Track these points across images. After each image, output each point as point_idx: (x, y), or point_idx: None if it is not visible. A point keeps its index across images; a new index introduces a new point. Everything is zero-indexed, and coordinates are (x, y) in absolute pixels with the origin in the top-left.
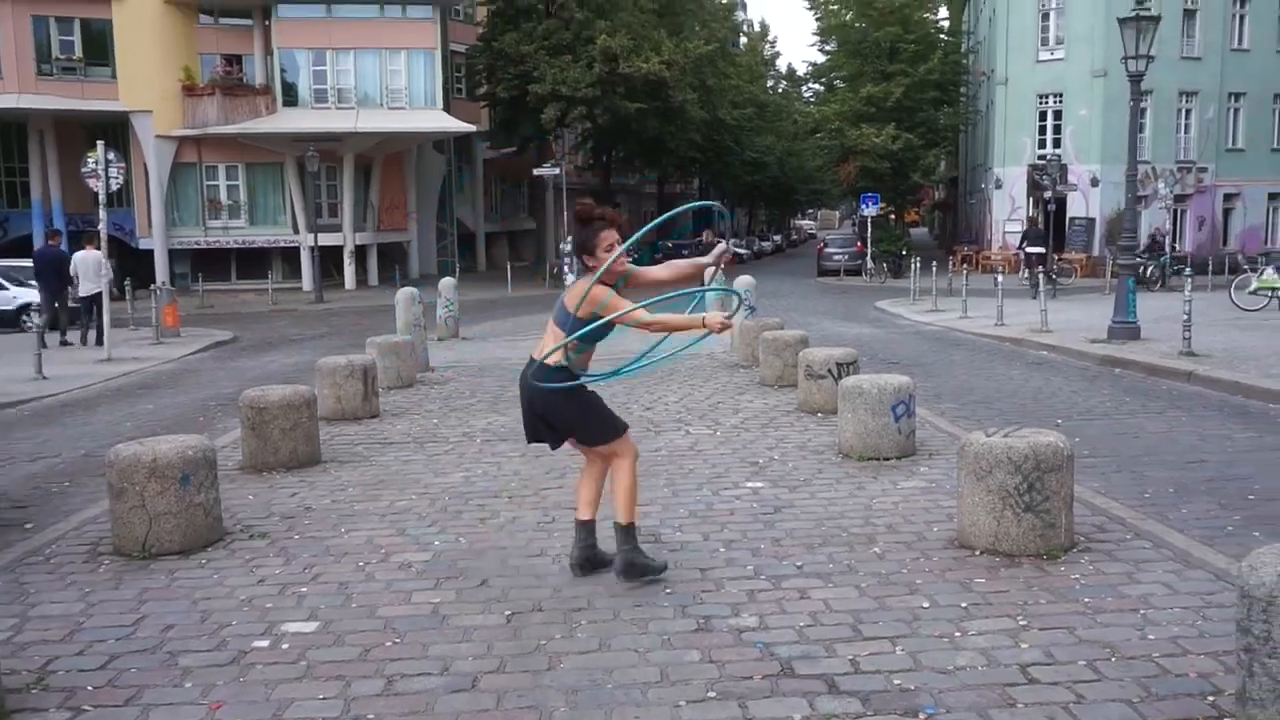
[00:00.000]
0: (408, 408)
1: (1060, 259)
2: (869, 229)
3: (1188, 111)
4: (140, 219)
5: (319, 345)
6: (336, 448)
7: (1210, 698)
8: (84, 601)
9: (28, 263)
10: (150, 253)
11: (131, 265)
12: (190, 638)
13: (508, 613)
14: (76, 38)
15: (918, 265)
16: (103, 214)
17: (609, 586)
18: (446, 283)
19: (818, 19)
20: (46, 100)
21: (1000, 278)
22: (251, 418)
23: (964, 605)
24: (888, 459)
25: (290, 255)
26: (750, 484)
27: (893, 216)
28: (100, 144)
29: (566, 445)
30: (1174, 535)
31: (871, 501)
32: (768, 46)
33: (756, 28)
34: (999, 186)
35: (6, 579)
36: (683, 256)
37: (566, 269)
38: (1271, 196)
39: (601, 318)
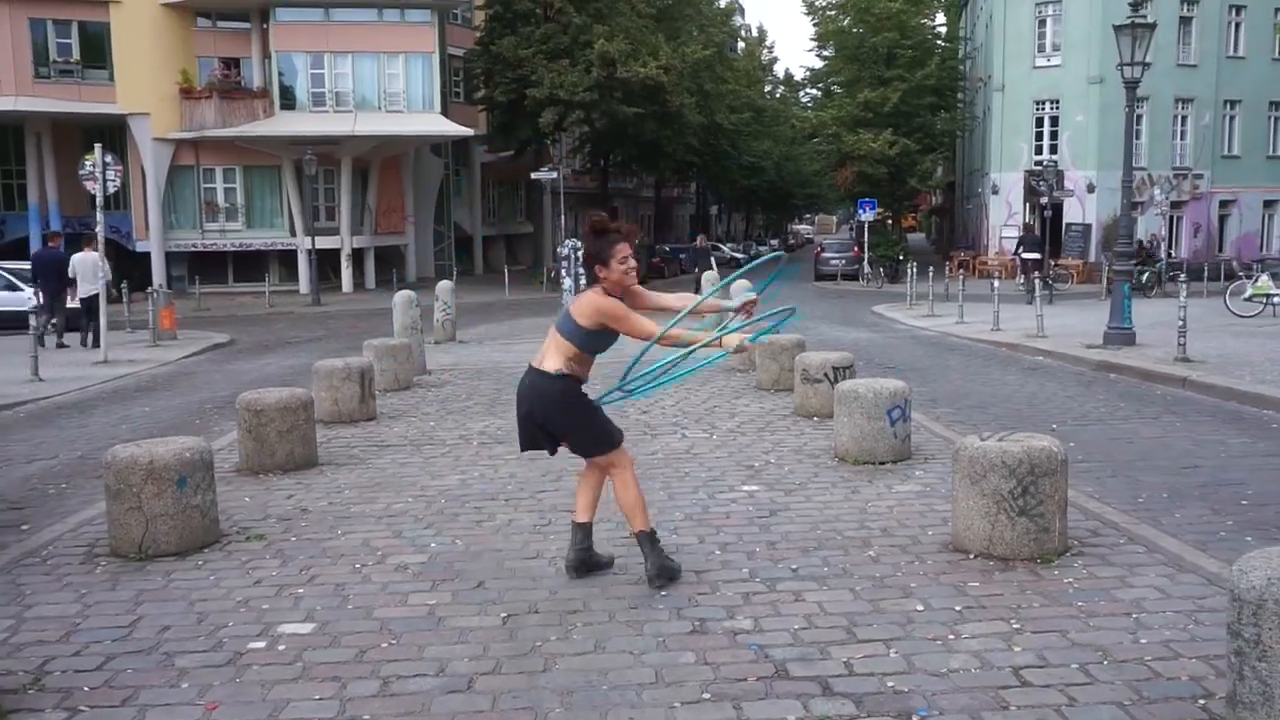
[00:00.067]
0: (405, 410)
1: (1056, 264)
2: (866, 234)
3: (1184, 118)
4: (137, 221)
5: (316, 348)
6: (333, 450)
7: (1201, 701)
8: (80, 603)
9: (26, 265)
10: (147, 255)
11: (128, 268)
12: (186, 639)
13: (503, 614)
14: (74, 40)
15: (914, 270)
16: (100, 216)
17: (604, 588)
18: (444, 286)
19: (815, 24)
20: (44, 103)
21: (997, 283)
22: (248, 420)
23: (958, 608)
24: (883, 463)
25: (287, 258)
26: (746, 487)
27: (890, 221)
28: (98, 146)
29: (563, 449)
30: (1167, 540)
31: (866, 505)
32: (765, 51)
33: (754, 33)
34: (996, 192)
35: (3, 580)
36: (679, 260)
37: (563, 273)
38: (1267, 203)
39: (608, 329)
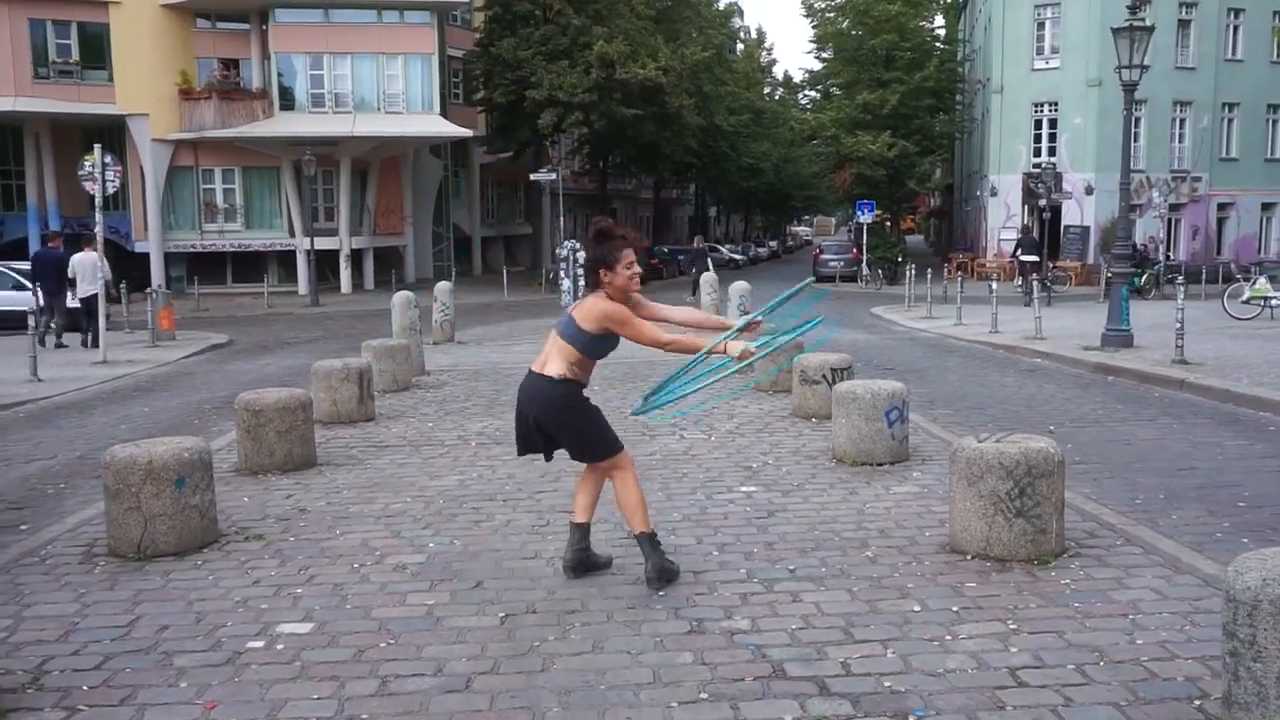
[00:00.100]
0: (403, 411)
1: (1055, 267)
2: (865, 235)
3: (1182, 121)
4: (136, 222)
5: (314, 349)
6: (332, 450)
7: (1197, 701)
8: (79, 602)
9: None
10: (146, 256)
11: (127, 268)
12: (185, 638)
13: (501, 614)
14: (74, 41)
15: (913, 272)
16: (99, 217)
17: (602, 589)
18: (442, 287)
19: (814, 26)
20: (43, 103)
21: (995, 285)
22: (247, 420)
23: (955, 609)
24: (881, 464)
25: (286, 259)
26: (744, 488)
27: (888, 223)
28: (98, 147)
29: (560, 452)
30: (1164, 541)
31: (864, 506)
32: (764, 53)
33: (753, 35)
34: (994, 194)
35: (2, 580)
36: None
37: (562, 274)
38: (1265, 206)
39: (611, 334)
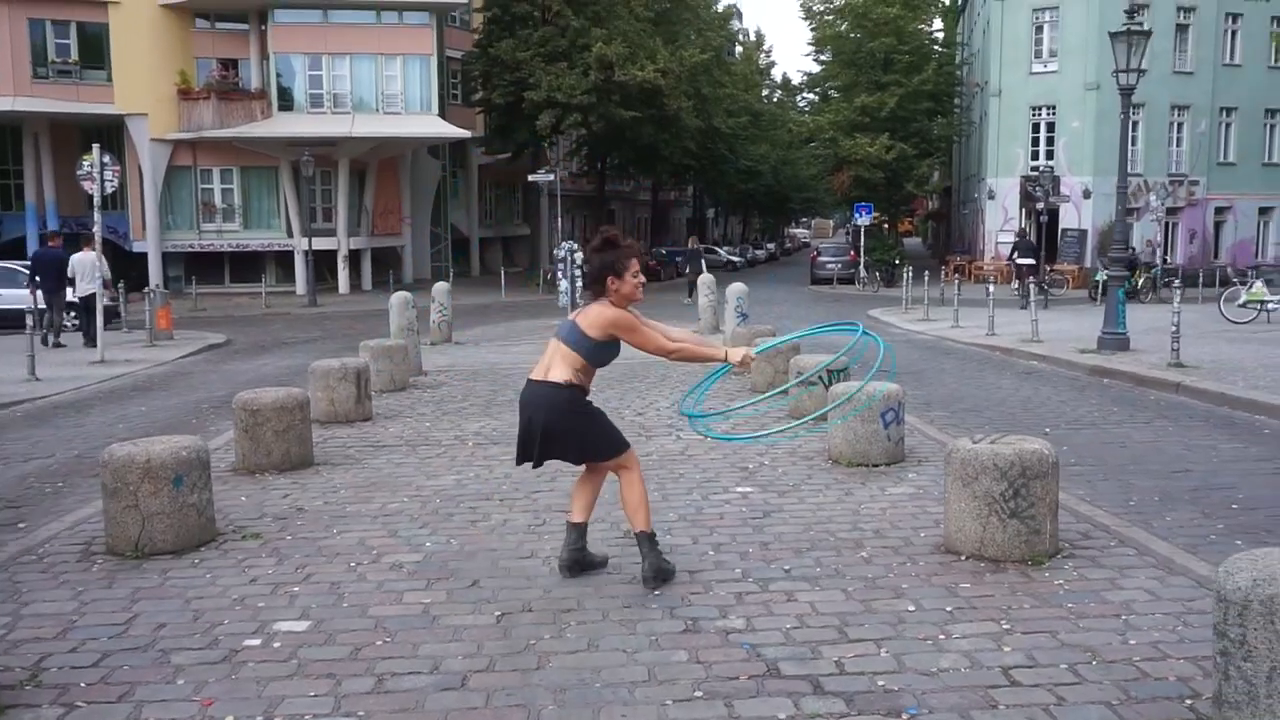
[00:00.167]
0: (400, 411)
1: (1052, 270)
2: (862, 238)
3: (1180, 125)
4: (134, 222)
5: (312, 349)
6: (329, 450)
7: (1188, 700)
8: (77, 600)
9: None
10: (144, 255)
11: (125, 268)
12: (182, 636)
13: (498, 613)
14: (73, 41)
15: (910, 274)
16: (97, 216)
17: (598, 588)
18: (440, 287)
19: (813, 29)
20: (42, 103)
21: (992, 288)
22: (245, 420)
23: (949, 609)
24: (876, 465)
25: (284, 259)
26: (740, 489)
27: (886, 226)
28: (96, 147)
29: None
30: (1157, 543)
31: (860, 507)
32: (763, 56)
33: (752, 37)
34: (992, 197)
35: (0, 578)
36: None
37: (560, 275)
38: (1262, 210)
39: (616, 340)
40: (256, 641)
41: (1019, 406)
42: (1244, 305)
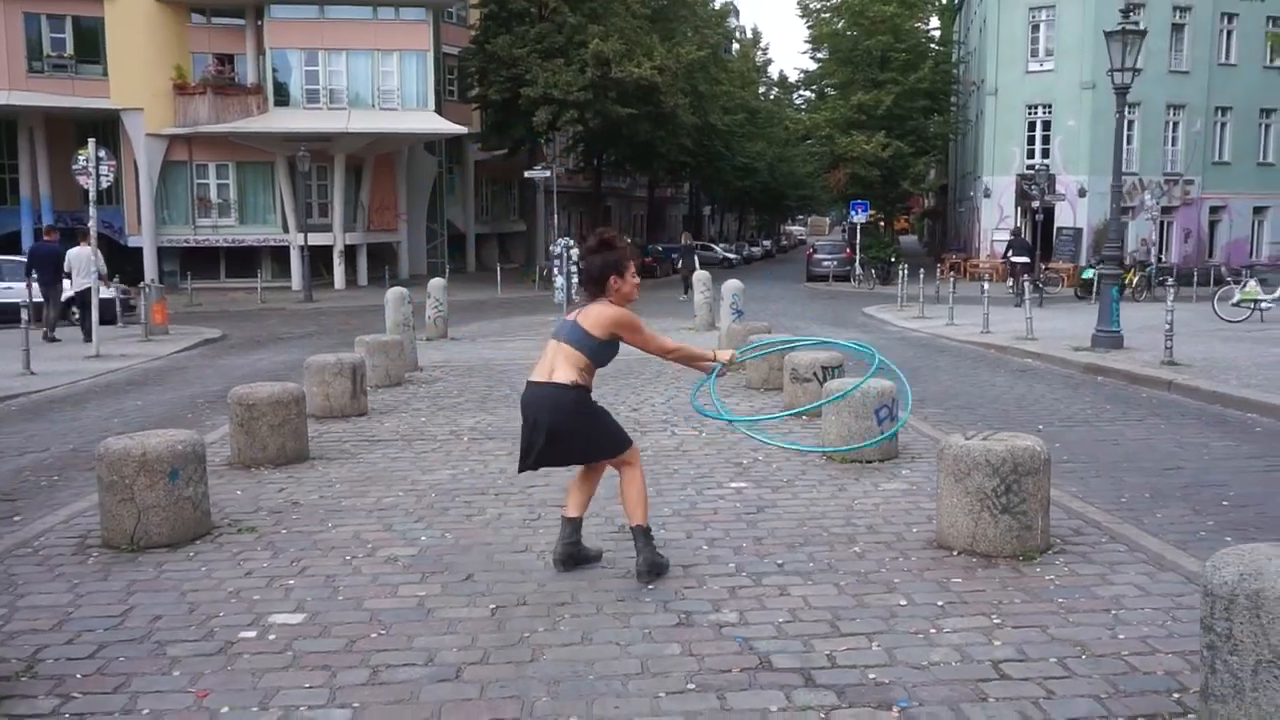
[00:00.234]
0: (396, 406)
1: (1047, 268)
2: (858, 235)
3: (1175, 124)
4: (130, 217)
5: (308, 344)
6: (324, 445)
7: (1176, 694)
8: (73, 592)
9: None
10: (139, 250)
11: (120, 262)
12: (178, 628)
13: (492, 606)
14: (68, 35)
15: (906, 272)
16: (93, 211)
17: (592, 582)
18: (436, 283)
19: (810, 27)
20: (37, 97)
21: (987, 286)
22: (240, 414)
23: (940, 603)
24: (870, 461)
25: (280, 254)
26: (734, 484)
27: (882, 223)
28: (92, 141)
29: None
30: (1148, 539)
31: (853, 502)
32: (760, 53)
33: (749, 34)
34: (988, 195)
35: None
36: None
37: (556, 271)
38: (1256, 210)
39: (617, 340)
40: (252, 634)
41: (1013, 404)
42: (1238, 304)
